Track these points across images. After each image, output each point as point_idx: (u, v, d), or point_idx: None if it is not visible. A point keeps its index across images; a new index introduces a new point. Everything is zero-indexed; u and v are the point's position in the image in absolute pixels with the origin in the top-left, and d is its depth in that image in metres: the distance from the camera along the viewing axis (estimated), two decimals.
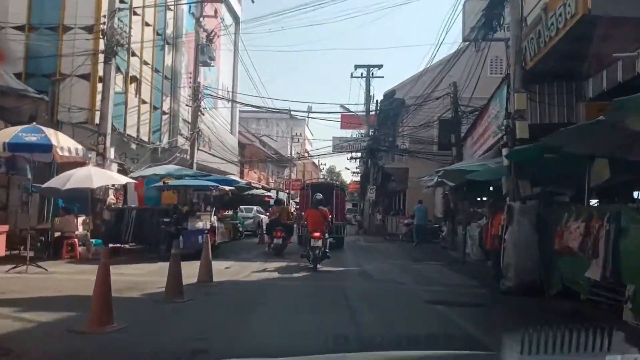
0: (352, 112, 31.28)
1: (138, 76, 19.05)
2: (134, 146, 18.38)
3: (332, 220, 15.56)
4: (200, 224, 13.63)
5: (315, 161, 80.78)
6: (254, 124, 66.90)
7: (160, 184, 14.20)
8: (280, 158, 48.19)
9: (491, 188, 17.72)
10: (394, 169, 29.47)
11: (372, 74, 36.14)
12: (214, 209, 14.52)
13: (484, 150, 16.63)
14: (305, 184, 25.40)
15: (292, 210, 29.43)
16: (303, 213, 15.76)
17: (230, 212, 23.63)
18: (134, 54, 18.56)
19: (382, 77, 51.24)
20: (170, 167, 15.97)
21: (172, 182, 14.14)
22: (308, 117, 79.81)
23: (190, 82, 22.78)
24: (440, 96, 22.72)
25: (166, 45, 21.74)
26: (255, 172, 43.60)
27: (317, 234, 12.08)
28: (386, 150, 29.38)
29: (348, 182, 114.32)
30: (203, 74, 25.76)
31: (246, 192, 36.00)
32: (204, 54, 22.59)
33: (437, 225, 22.90)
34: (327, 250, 12.72)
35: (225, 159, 29.43)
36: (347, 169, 68.85)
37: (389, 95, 29.28)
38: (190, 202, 14.70)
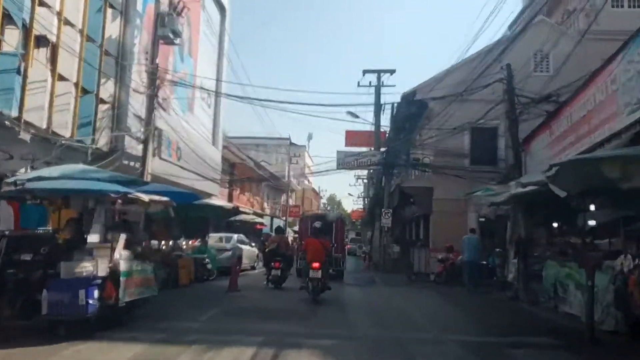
0: (358, 117, 24.78)
1: (53, 38, 12.39)
2: (26, 136, 11.41)
3: (332, 252, 15.03)
4: (87, 268, 6.65)
5: (316, 187, 74.05)
6: (252, 150, 60.61)
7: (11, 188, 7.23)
8: (276, 180, 41.22)
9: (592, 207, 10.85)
10: (414, 188, 22.56)
11: (383, 82, 29.67)
12: (123, 237, 7.34)
13: (591, 144, 9.82)
14: (305, 215, 23.71)
15: (291, 240, 23.82)
16: (303, 242, 14.52)
17: (199, 243, 16.70)
18: (43, 3, 11.94)
19: (394, 85, 43.82)
20: (69, 168, 8.99)
21: (34, 185, 7.16)
22: (309, 142, 72.94)
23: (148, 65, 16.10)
24: (490, 83, 16.03)
25: (110, 10, 15.14)
26: (245, 195, 36.72)
27: (316, 264, 11.14)
28: (405, 164, 22.56)
29: (349, 210, 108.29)
30: (172, 63, 19.17)
31: (232, 218, 29.34)
32: (164, 26, 15.99)
33: (484, 262, 15.90)
34: (328, 281, 11.81)
35: (203, 175, 22.61)
36: (350, 194, 61.92)
37: (409, 96, 22.63)
38: (78, 225, 7.63)
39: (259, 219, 33.61)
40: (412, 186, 22.66)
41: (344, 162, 26.55)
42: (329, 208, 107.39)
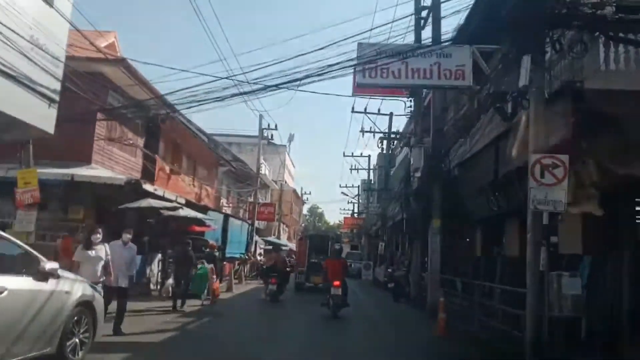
0: None
1: None
2: None
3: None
4: None
5: (298, 189, 57.95)
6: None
7: None
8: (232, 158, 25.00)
9: None
10: (627, 95, 6.68)
11: None
12: None
13: None
14: (303, 235, 24.02)
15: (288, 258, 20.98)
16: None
17: None
18: None
19: None
20: None
21: None
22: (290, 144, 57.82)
23: None
24: None
25: None
26: (182, 179, 20.44)
27: (336, 283, 11.33)
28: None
29: (332, 222, 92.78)
30: None
31: (132, 205, 13.29)
32: None
33: None
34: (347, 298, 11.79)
35: None
36: (344, 194, 45.73)
37: None
38: None
39: (200, 216, 17.02)
40: (619, 90, 6.73)
41: (373, 67, 10.40)
42: (309, 219, 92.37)
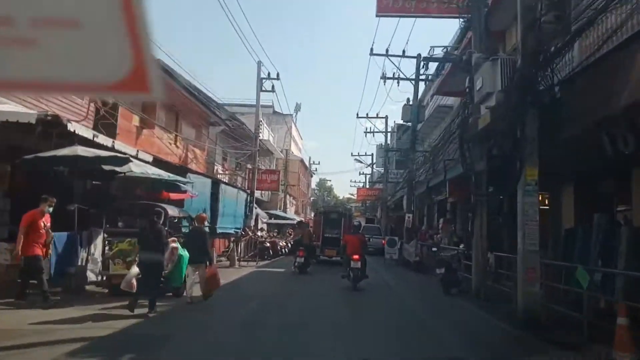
0: None
1: None
2: None
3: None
4: None
5: (306, 159, 53.02)
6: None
7: None
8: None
9: None
10: None
11: None
12: None
13: None
14: (319, 211, 23.42)
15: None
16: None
17: None
18: None
19: None
20: None
21: None
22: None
23: None
24: None
25: None
26: (157, 135, 15.62)
27: (356, 257, 11.77)
28: None
29: (341, 197, 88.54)
30: None
31: (48, 154, 7.62)
32: None
33: None
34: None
35: None
36: (359, 161, 40.84)
37: None
38: None
39: (169, 176, 12.07)
40: None
41: None
42: (317, 193, 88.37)
